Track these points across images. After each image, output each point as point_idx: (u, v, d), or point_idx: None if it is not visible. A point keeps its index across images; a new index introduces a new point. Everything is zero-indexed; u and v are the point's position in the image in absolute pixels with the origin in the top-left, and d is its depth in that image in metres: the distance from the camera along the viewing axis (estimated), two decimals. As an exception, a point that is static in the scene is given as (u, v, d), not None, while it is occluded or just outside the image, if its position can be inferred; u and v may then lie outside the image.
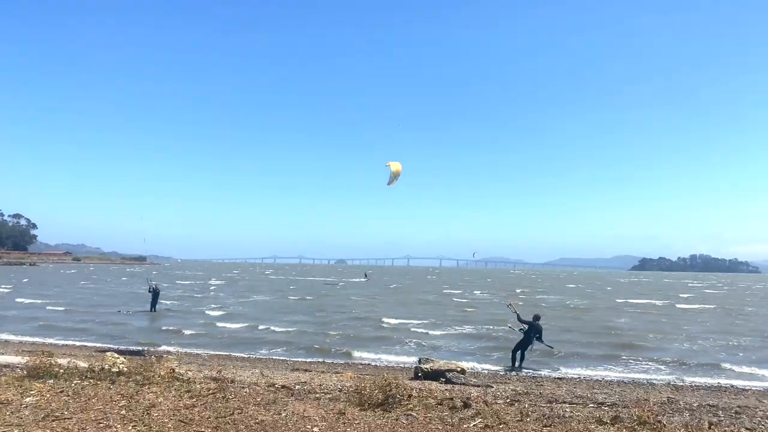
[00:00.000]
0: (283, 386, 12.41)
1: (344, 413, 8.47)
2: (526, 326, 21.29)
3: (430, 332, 30.19)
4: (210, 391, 9.36)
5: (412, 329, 31.31)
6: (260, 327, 31.76)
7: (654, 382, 18.90)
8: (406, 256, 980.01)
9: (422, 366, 17.93)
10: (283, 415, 8.40)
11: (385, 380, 9.27)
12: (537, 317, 21.67)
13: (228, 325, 32.55)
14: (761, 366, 21.55)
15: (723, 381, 19.03)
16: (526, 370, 20.78)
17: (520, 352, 21.45)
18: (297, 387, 12.33)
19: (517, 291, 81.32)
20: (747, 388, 18.07)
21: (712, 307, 52.74)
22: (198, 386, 9.54)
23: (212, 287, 74.51)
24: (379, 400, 8.83)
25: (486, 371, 19.99)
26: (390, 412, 8.53)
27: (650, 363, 22.09)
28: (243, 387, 10.62)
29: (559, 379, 18.83)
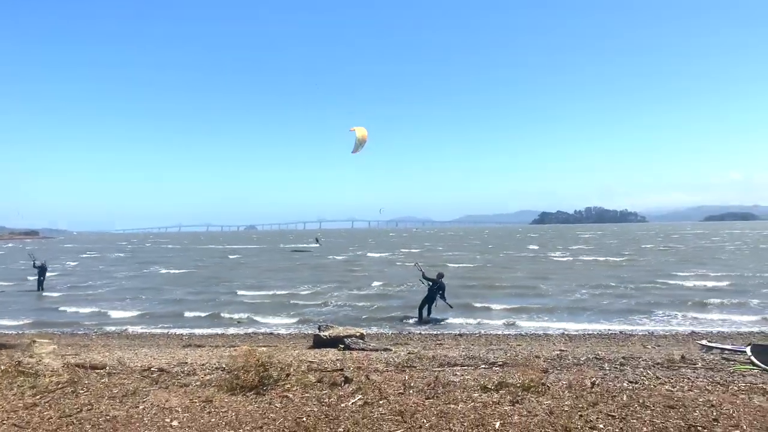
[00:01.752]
0: (160, 369, 11.30)
1: (212, 401, 7.57)
2: (430, 283, 21.65)
3: (335, 296, 29.60)
4: (59, 386, 8.17)
5: (320, 295, 30.62)
6: (141, 297, 30.00)
7: (549, 332, 19.20)
8: (319, 219, 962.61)
9: (321, 334, 17.24)
10: (141, 408, 7.39)
11: (258, 359, 8.42)
12: (440, 275, 22.04)
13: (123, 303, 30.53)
14: (643, 312, 22.53)
15: (613, 327, 19.62)
16: (430, 325, 20.87)
17: (427, 307, 21.85)
18: (176, 368, 11.26)
19: (425, 245, 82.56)
20: (633, 333, 18.69)
21: (603, 259, 55.35)
22: (46, 380, 8.31)
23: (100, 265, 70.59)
24: (254, 382, 7.98)
25: (390, 333, 19.59)
26: (264, 395, 7.71)
27: (545, 314, 22.55)
28: (105, 375, 9.44)
29: (459, 335, 18.73)
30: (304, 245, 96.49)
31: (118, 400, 7.68)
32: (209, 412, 7.12)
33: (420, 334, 19.24)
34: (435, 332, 19.55)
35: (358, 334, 17.39)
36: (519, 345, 16.68)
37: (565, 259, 55.64)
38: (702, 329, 19.11)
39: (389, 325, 20.94)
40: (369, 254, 70.12)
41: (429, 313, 21.86)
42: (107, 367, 11.51)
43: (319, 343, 17.08)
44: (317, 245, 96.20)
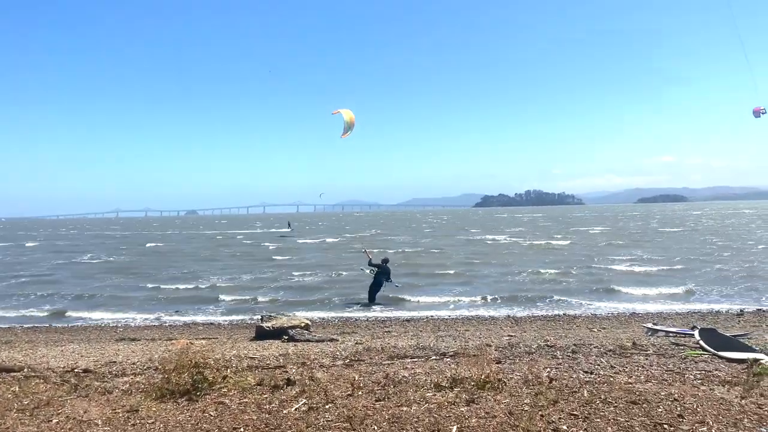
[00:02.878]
0: (85, 370, 10.29)
1: (137, 410, 6.73)
2: (376, 269, 21.42)
3: (280, 284, 28.72)
4: (-40, 398, 7.12)
5: (264, 282, 29.63)
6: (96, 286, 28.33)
7: (495, 316, 19.00)
8: (262, 203, 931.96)
9: (264, 324, 16.43)
10: (54, 422, 6.48)
11: (191, 359, 7.61)
12: (386, 260, 22.02)
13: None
14: (583, 294, 22.73)
15: (557, 311, 19.62)
16: (377, 311, 20.58)
17: (373, 292, 21.78)
18: (103, 369, 10.27)
19: (372, 232, 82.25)
20: (577, 316, 18.69)
21: (543, 242, 56.21)
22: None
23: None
24: (187, 386, 7.18)
25: (336, 320, 18.96)
26: (197, 401, 6.93)
27: (489, 297, 22.45)
28: (17, 382, 8.42)
29: (407, 321, 18.27)
30: (284, 230, 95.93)
31: (28, 413, 6.74)
32: (134, 425, 6.30)
33: (367, 320, 18.71)
34: (382, 318, 19.07)
35: (302, 324, 16.68)
36: (467, 330, 16.36)
37: (505, 241, 56.38)
38: (642, 309, 19.34)
39: (335, 313, 20.32)
40: (307, 240, 68.09)
41: (373, 299, 21.65)
42: (24, 370, 10.42)
43: (261, 334, 16.29)
44: (290, 230, 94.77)
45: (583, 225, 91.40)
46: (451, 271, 30.63)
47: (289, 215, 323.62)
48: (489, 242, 56.00)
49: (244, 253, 49.53)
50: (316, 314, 19.80)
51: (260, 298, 24.19)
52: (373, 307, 21.07)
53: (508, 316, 18.82)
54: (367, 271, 22.01)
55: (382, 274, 21.34)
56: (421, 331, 16.46)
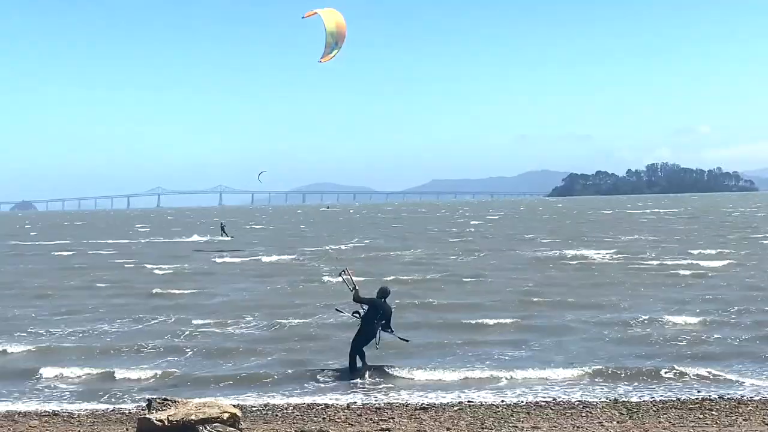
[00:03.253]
0: None
1: None
2: (366, 306, 12.98)
3: (190, 333, 17.14)
4: None
5: (161, 331, 17.79)
6: None
7: (589, 401, 10.64)
8: (156, 189, 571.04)
9: (153, 417, 8.54)
10: None
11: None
12: (384, 292, 13.25)
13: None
14: (754, 361, 13.09)
15: (703, 392, 11.17)
16: (367, 383, 12.40)
17: (361, 349, 13.04)
18: None
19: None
20: (743, 399, 10.48)
21: (677, 262, 30.39)
22: None
23: None
24: None
25: (288, 407, 10.72)
26: None
27: (575, 365, 13.70)
28: None
29: (423, 409, 10.22)
30: (210, 238, 58.92)
31: None
32: None
33: (347, 407, 10.63)
34: (376, 403, 10.88)
35: (225, 415, 8.80)
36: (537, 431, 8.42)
37: (603, 260, 32.94)
38: None
39: (286, 394, 11.78)
40: (228, 258, 39.46)
41: (363, 359, 13.10)
42: None
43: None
44: (227, 238, 56.27)
45: (756, 229, 52.75)
46: (503, 320, 17.91)
47: (203, 210, 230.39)
48: (573, 263, 32.11)
49: (111, 284, 28.55)
50: (251, 398, 11.48)
51: (141, 372, 13.41)
52: (359, 379, 12.68)
53: (613, 400, 10.64)
54: (349, 314, 13.58)
55: (375, 316, 12.85)
56: (449, 430, 8.51)
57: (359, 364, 12.93)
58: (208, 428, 8.63)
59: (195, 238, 59.85)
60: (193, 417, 8.60)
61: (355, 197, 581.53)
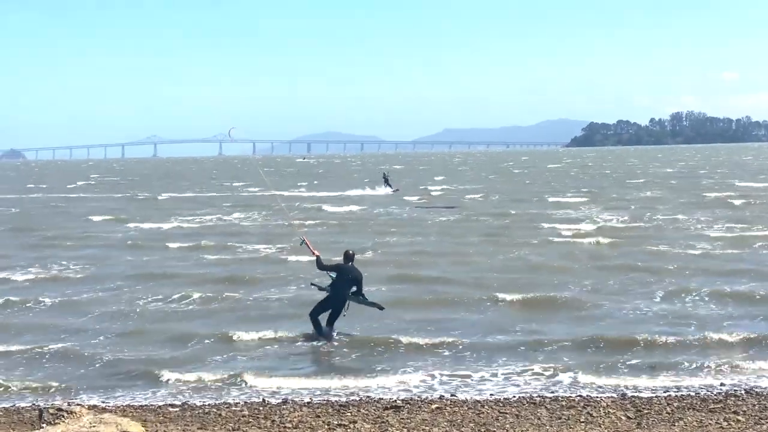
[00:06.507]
0: None
1: None
2: (333, 275, 11.91)
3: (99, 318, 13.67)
4: None
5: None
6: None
7: (593, 396, 8.99)
8: (153, 137, 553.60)
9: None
10: None
11: None
12: (349, 255, 11.98)
13: None
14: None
15: (725, 384, 9.43)
16: (334, 353, 11.21)
17: (329, 317, 11.80)
18: None
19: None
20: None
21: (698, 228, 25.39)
22: None
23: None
24: None
25: (237, 398, 9.14)
26: None
27: (586, 346, 11.88)
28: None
29: (394, 408, 8.56)
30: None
31: None
32: None
33: (311, 402, 8.98)
34: (342, 391, 9.31)
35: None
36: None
37: (617, 224, 27.35)
38: None
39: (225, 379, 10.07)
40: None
41: (331, 326, 11.80)
42: None
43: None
44: (390, 191, 47.64)
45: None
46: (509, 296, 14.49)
47: (199, 161, 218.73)
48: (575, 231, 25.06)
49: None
50: (181, 389, 9.75)
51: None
52: (325, 337, 11.66)
53: (621, 396, 8.90)
54: (324, 287, 12.09)
55: (345, 283, 11.60)
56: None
57: (325, 331, 11.67)
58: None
59: (356, 191, 48.61)
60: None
61: (362, 147, 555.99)
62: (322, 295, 11.96)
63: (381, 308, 12.11)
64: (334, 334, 11.73)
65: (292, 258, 19.41)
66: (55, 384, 9.91)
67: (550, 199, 38.79)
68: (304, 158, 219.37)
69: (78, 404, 7.79)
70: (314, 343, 11.61)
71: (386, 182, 49.02)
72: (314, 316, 11.74)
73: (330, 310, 11.70)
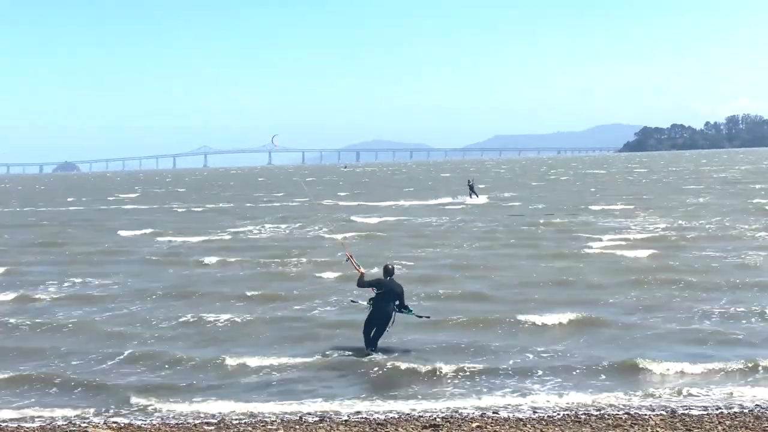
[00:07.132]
0: None
1: None
2: (375, 291, 11.74)
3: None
4: None
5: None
6: None
7: (641, 414, 8.56)
8: (203, 147, 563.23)
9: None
10: None
11: None
12: (389, 270, 12.03)
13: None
14: None
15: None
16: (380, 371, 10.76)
17: (375, 333, 11.84)
18: None
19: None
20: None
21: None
22: None
23: None
24: None
25: (270, 412, 9.09)
26: None
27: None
28: None
29: (433, 427, 8.45)
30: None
31: None
32: None
33: (349, 420, 8.99)
34: (380, 407, 9.24)
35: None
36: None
37: (662, 231, 26.43)
38: None
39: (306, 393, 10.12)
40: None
41: (374, 344, 11.77)
42: None
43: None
44: (476, 199, 46.28)
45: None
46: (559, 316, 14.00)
47: (245, 171, 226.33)
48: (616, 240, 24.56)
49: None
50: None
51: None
52: (374, 354, 11.52)
53: (670, 414, 8.58)
54: (365, 304, 12.23)
55: (387, 297, 11.58)
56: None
57: (371, 348, 11.66)
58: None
59: (443, 200, 48.39)
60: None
61: (411, 155, 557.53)
62: (368, 311, 11.92)
63: (427, 317, 12.37)
64: (377, 353, 11.56)
65: (328, 275, 18.90)
66: (83, 404, 9.83)
67: (595, 208, 37.25)
68: (345, 167, 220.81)
69: (114, 422, 7.98)
70: (353, 358, 11.48)
71: (471, 190, 47.67)
72: (366, 333, 11.78)
73: (375, 328, 11.64)
